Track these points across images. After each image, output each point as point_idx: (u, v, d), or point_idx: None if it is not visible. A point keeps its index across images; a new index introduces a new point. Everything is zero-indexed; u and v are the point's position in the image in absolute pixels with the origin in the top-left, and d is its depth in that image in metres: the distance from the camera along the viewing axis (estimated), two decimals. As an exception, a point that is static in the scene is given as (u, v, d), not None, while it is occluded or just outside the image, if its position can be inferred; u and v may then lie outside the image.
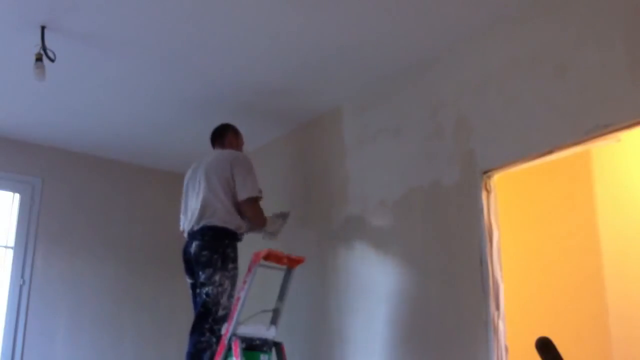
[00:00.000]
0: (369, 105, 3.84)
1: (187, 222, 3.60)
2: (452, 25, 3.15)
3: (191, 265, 3.48)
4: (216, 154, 3.64)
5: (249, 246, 3.55)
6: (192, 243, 3.46)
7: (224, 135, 3.79)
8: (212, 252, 3.37)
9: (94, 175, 5.00)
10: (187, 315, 3.96)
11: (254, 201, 3.53)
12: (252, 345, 3.16)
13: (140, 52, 3.44)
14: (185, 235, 3.61)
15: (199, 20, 3.12)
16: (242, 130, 3.85)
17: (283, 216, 3.78)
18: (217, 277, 3.35)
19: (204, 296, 3.36)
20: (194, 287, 3.51)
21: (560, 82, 2.78)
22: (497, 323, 2.88)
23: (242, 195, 3.47)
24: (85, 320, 4.74)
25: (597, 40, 2.67)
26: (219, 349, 3.14)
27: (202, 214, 3.46)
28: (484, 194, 3.05)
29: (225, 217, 3.43)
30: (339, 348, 3.70)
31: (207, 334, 3.32)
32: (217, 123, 3.85)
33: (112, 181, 5.08)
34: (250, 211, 3.52)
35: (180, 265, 3.59)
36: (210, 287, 3.34)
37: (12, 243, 4.59)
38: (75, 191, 4.90)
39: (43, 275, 4.62)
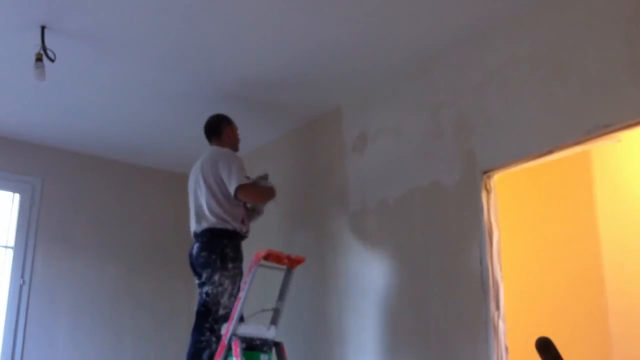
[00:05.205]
0: (369, 105, 3.84)
1: (191, 224, 3.61)
2: (452, 25, 3.15)
3: (195, 266, 3.50)
4: (207, 155, 3.62)
5: (249, 246, 3.55)
6: (194, 245, 3.50)
7: (221, 131, 3.72)
8: (210, 252, 3.39)
9: (94, 175, 5.00)
10: (187, 315, 3.97)
11: (245, 187, 3.44)
12: (252, 345, 3.16)
13: (140, 51, 3.44)
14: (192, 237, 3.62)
15: (199, 21, 3.13)
16: (242, 130, 3.83)
17: (265, 177, 3.69)
18: (216, 277, 3.36)
19: (204, 295, 3.39)
20: (200, 287, 3.52)
21: (560, 82, 2.78)
22: (497, 323, 2.88)
23: (232, 188, 3.42)
24: (85, 320, 4.74)
25: (597, 40, 2.67)
26: (219, 348, 3.14)
27: (200, 217, 3.49)
28: (484, 194, 3.05)
29: (222, 218, 3.43)
30: (339, 348, 3.70)
31: (207, 334, 3.34)
32: (217, 124, 3.83)
33: (112, 181, 5.07)
34: (248, 197, 3.49)
35: (180, 265, 3.59)
36: (210, 287, 3.36)
37: (12, 243, 4.58)
38: (75, 191, 4.89)
39: (43, 275, 4.61)
